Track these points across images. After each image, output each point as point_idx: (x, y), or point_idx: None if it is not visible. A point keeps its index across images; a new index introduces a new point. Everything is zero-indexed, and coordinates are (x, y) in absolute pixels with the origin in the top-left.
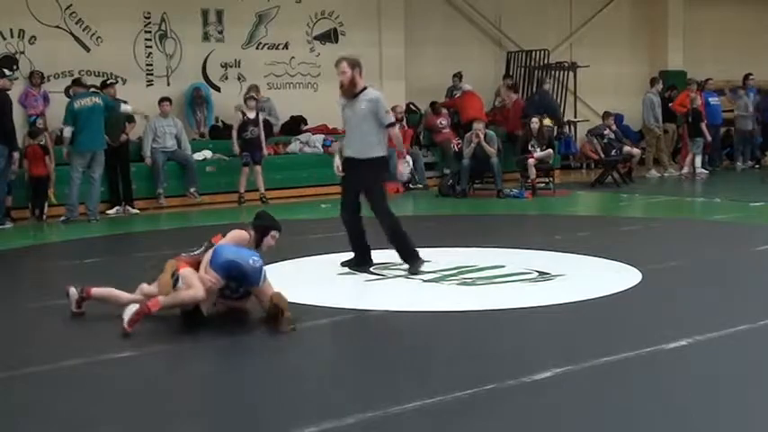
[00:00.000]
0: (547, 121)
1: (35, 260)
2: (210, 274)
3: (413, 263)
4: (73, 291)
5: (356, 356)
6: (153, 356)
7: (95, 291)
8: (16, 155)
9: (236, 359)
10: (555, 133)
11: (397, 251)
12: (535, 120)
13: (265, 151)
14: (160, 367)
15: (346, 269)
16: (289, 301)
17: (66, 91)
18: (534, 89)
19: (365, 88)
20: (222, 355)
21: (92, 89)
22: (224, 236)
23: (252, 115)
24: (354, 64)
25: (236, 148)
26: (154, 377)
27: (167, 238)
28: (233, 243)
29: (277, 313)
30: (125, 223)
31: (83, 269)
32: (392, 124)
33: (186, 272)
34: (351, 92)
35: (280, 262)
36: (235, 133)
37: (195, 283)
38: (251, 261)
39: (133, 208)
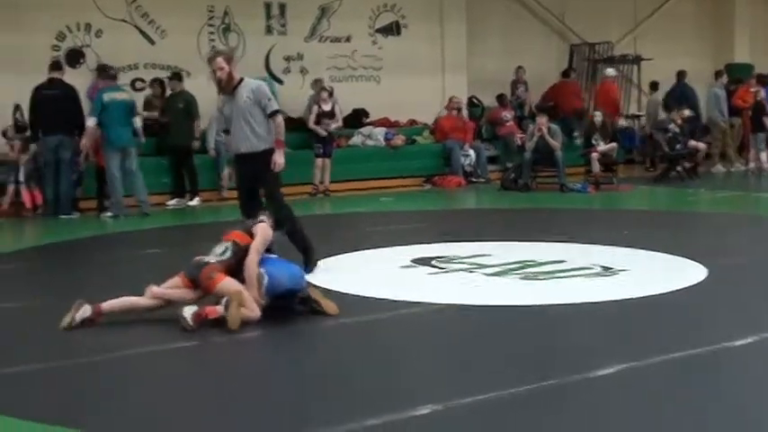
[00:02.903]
0: (686, 112)
1: (98, 251)
2: (261, 296)
3: (309, 259)
4: (87, 306)
5: (417, 350)
6: (215, 346)
7: (106, 306)
8: (83, 144)
9: (297, 350)
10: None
11: (296, 245)
12: (598, 113)
13: (341, 143)
14: (222, 356)
15: (408, 262)
16: (350, 293)
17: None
18: (597, 82)
19: (242, 80)
20: (283, 345)
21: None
22: (246, 233)
23: (327, 108)
24: (229, 58)
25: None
26: (216, 366)
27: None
28: (265, 243)
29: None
30: (187, 215)
31: (145, 259)
32: (276, 112)
33: (244, 294)
34: (230, 86)
35: (340, 254)
36: (312, 125)
37: (255, 308)
38: (304, 284)
39: (194, 200)
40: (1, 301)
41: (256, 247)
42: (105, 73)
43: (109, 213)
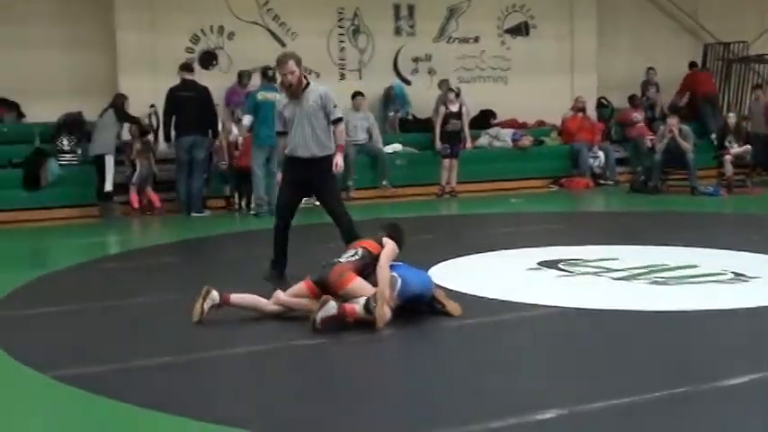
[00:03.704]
0: None
1: (231, 248)
2: (392, 299)
3: None
4: (215, 293)
5: (542, 353)
6: (344, 345)
7: (235, 297)
8: (218, 144)
9: (421, 350)
10: None
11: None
12: (732, 115)
13: (468, 145)
14: (350, 355)
15: (534, 264)
16: (475, 295)
17: None
18: (731, 82)
19: (308, 84)
20: (407, 345)
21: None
22: (378, 243)
23: (455, 108)
24: (299, 61)
25: (438, 142)
26: (344, 364)
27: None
28: (394, 253)
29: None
30: (315, 214)
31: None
32: (340, 119)
33: (386, 293)
34: (299, 90)
35: (466, 256)
36: (438, 126)
37: (388, 311)
38: (432, 289)
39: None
40: (138, 295)
41: (387, 254)
42: (266, 75)
43: (253, 211)
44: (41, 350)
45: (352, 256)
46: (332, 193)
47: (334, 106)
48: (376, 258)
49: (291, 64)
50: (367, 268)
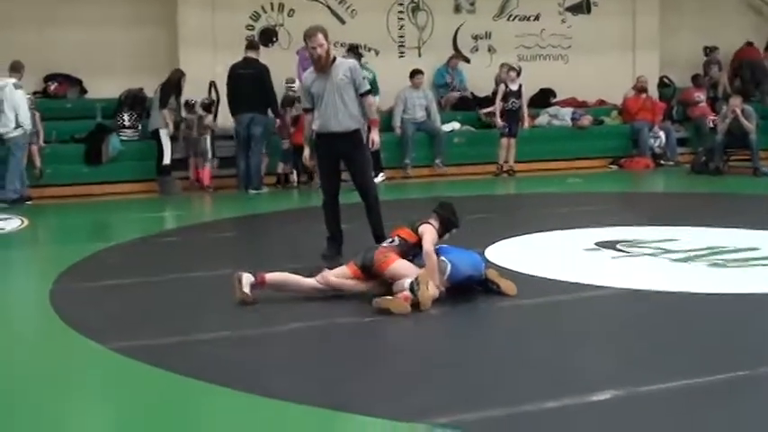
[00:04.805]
0: None
1: (288, 223)
2: (443, 283)
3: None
4: (247, 276)
5: (598, 334)
6: (393, 323)
7: (270, 277)
8: (278, 123)
9: (474, 330)
10: None
11: (372, 227)
12: None
13: (527, 124)
14: (402, 334)
15: (592, 244)
16: (531, 274)
17: None
18: None
19: (335, 58)
20: (460, 325)
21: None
22: (413, 231)
23: (514, 87)
24: (327, 34)
25: (498, 120)
26: (394, 341)
27: (412, 208)
28: (434, 239)
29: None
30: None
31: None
32: (369, 91)
33: (430, 274)
34: (327, 64)
35: (523, 235)
36: (498, 104)
37: (435, 292)
38: (483, 270)
39: (378, 176)
40: (196, 269)
41: (428, 239)
42: (351, 50)
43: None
44: (103, 322)
45: (391, 242)
46: (363, 167)
47: (363, 78)
48: (413, 246)
49: (320, 37)
50: (407, 254)
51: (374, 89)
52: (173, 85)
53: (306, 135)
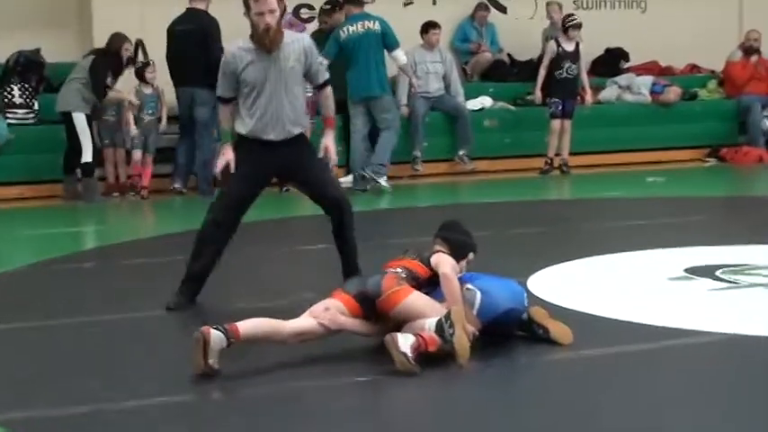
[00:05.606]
0: None
1: (247, 243)
2: (472, 322)
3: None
4: (217, 337)
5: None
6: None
7: (245, 329)
8: None
9: (520, 390)
10: None
11: (344, 257)
12: None
13: (589, 98)
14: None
15: (680, 272)
16: (593, 314)
17: None
18: None
19: (282, 34)
20: (502, 383)
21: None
22: (423, 263)
23: (570, 48)
24: None
25: (538, 93)
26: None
27: (424, 224)
28: (455, 268)
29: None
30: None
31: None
32: (327, 82)
33: (462, 311)
34: (278, 41)
35: (580, 259)
36: (543, 71)
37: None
38: (526, 303)
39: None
40: (115, 309)
41: (447, 262)
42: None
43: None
44: None
45: (395, 273)
46: (323, 175)
47: (321, 63)
48: (427, 281)
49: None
50: (419, 289)
51: (392, 41)
52: (111, 58)
53: (223, 130)
